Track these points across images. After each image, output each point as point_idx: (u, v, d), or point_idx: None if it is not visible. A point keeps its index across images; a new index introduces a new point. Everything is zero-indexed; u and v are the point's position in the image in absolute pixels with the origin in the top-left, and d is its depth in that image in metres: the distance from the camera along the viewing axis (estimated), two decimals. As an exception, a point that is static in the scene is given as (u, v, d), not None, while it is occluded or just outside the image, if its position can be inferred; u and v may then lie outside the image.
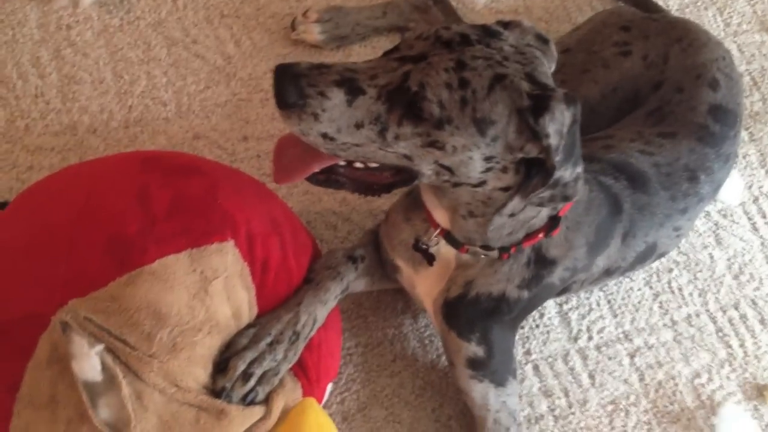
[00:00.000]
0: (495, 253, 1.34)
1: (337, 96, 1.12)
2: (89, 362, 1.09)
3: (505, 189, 1.21)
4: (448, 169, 1.17)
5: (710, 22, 2.08)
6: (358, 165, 1.23)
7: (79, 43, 1.85)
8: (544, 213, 1.29)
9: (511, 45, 1.16)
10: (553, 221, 1.31)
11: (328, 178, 1.25)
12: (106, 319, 1.12)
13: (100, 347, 1.10)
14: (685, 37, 1.66)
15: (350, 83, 1.12)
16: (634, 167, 1.48)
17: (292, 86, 1.10)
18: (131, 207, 1.21)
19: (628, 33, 1.69)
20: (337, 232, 1.75)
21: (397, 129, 1.13)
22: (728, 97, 1.59)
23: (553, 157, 1.12)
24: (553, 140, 1.11)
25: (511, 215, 1.25)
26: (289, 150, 1.23)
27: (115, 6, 1.91)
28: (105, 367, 1.10)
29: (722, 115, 1.57)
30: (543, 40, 1.22)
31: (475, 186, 1.20)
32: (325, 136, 1.14)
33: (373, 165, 1.22)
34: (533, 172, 1.17)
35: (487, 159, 1.16)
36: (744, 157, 1.90)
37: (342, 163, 1.23)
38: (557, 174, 1.14)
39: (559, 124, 1.11)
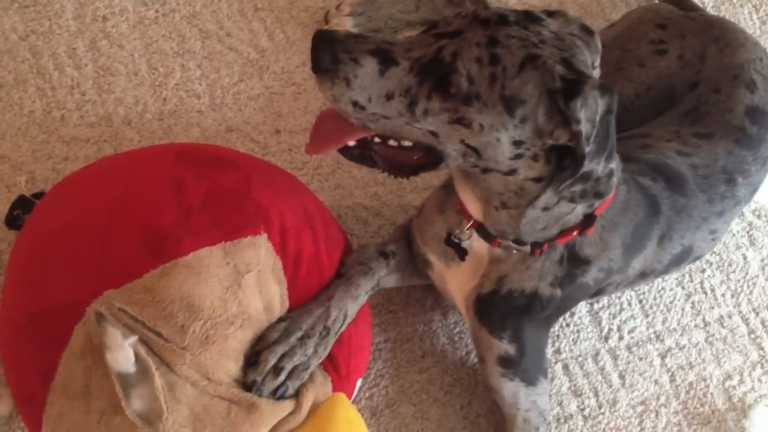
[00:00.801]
0: (527, 248, 1.33)
1: (370, 64, 1.12)
2: (123, 353, 1.09)
3: (538, 180, 1.20)
4: (475, 150, 1.16)
5: (746, 20, 2.06)
6: (392, 143, 1.23)
7: (115, 34, 1.87)
8: (579, 210, 1.28)
9: (551, 31, 1.15)
10: (588, 219, 1.30)
11: (362, 154, 1.26)
12: (140, 311, 1.12)
13: (133, 339, 1.11)
14: (722, 36, 1.64)
15: (384, 54, 1.13)
16: (672, 168, 1.47)
17: (327, 51, 1.11)
18: (167, 199, 1.21)
19: (664, 31, 1.67)
20: (367, 226, 1.75)
21: (426, 103, 1.13)
22: (765, 98, 1.57)
23: (584, 145, 1.10)
24: (584, 127, 1.09)
25: (545, 209, 1.24)
26: (326, 122, 1.25)
27: (151, -2, 1.92)
28: (138, 359, 1.10)
29: (759, 117, 1.55)
30: (588, 31, 1.20)
31: (505, 174, 1.19)
32: (355, 104, 1.14)
33: (406, 144, 1.22)
34: (565, 164, 1.15)
35: (516, 143, 1.14)
36: (780, 158, 1.88)
37: (377, 140, 1.23)
38: (588, 166, 1.12)
39: (591, 111, 1.09)
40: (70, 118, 1.76)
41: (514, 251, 1.34)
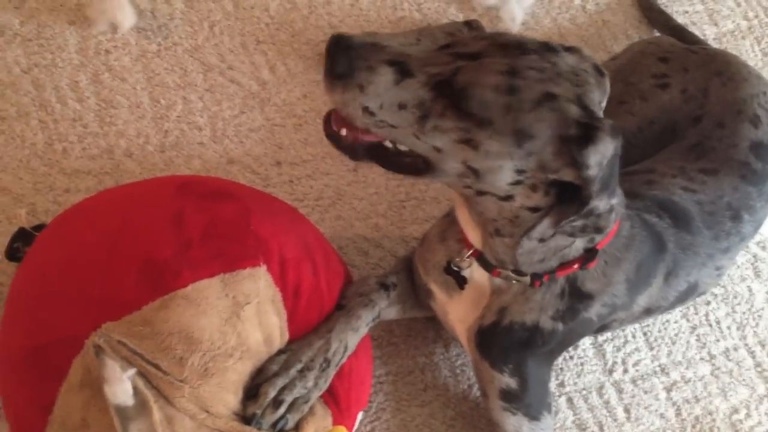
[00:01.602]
0: (527, 279, 1.32)
1: (386, 73, 1.11)
2: (121, 386, 1.08)
3: (534, 210, 1.19)
4: (475, 172, 1.14)
5: (747, 52, 2.07)
6: (388, 144, 1.22)
7: (117, 67, 1.87)
8: (579, 244, 1.27)
9: (568, 64, 1.14)
10: (590, 254, 1.29)
11: (351, 145, 1.23)
12: (139, 343, 1.11)
13: (132, 371, 1.10)
14: (725, 70, 1.64)
15: (401, 65, 1.12)
16: (678, 205, 1.46)
17: (344, 57, 1.10)
18: (166, 231, 1.21)
19: (666, 65, 1.67)
20: (368, 258, 1.74)
21: (437, 119, 1.12)
22: None
23: (592, 188, 1.10)
24: (592, 171, 1.09)
25: (541, 240, 1.23)
26: None
27: (153, 32, 1.93)
28: (137, 392, 1.09)
29: (764, 153, 1.55)
30: (600, 72, 1.18)
31: (501, 199, 1.18)
32: (366, 109, 1.13)
33: (403, 149, 1.20)
34: (565, 197, 1.15)
35: (518, 172, 1.14)
36: (784, 190, 1.87)
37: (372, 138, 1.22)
38: (592, 204, 1.12)
39: (601, 155, 1.09)
40: (71, 151, 1.76)
41: (514, 282, 1.33)
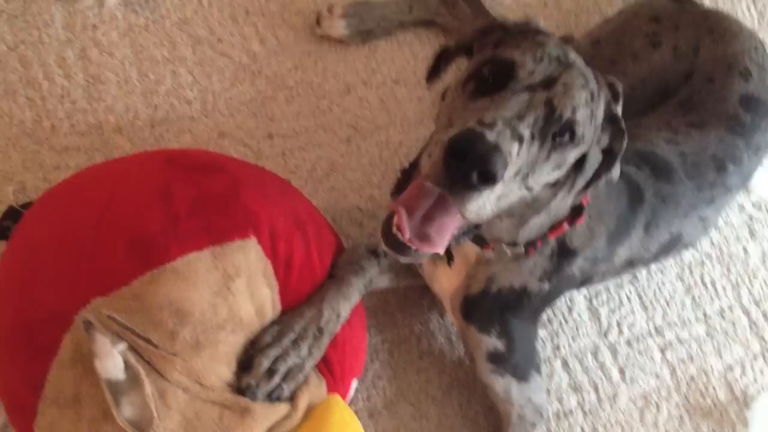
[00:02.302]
0: (521, 249, 1.32)
1: (514, 152, 1.01)
2: (112, 361, 1.08)
3: (553, 185, 1.18)
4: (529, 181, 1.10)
5: (744, 13, 2.05)
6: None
7: (105, 42, 1.86)
8: (569, 202, 1.27)
9: (575, 55, 1.16)
10: (576, 211, 1.29)
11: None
12: (129, 318, 1.12)
13: (123, 346, 1.10)
14: (717, 27, 1.63)
15: (516, 131, 1.02)
16: (659, 157, 1.47)
17: (499, 158, 0.98)
18: (154, 205, 1.20)
19: (658, 24, 1.66)
20: (363, 228, 1.74)
21: (542, 165, 1.08)
22: (760, 87, 1.56)
23: (625, 138, 1.15)
24: (623, 123, 1.15)
25: (548, 212, 1.24)
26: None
27: (141, 5, 1.91)
28: (128, 366, 1.10)
29: (754, 106, 1.54)
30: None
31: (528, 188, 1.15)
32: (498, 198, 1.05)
33: None
34: (580, 165, 1.17)
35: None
36: (778, 147, 1.87)
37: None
38: (620, 155, 1.17)
39: (620, 108, 1.15)
40: (60, 128, 1.75)
41: (508, 253, 1.33)
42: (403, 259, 1.11)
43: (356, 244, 1.49)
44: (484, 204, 1.01)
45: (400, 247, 1.07)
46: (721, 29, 1.63)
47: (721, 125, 1.52)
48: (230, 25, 1.92)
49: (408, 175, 1.15)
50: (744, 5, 2.07)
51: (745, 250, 1.76)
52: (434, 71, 1.28)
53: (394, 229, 1.07)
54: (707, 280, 1.73)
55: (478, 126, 0.99)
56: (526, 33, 1.16)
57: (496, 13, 1.95)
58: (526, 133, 1.03)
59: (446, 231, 1.08)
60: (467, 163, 0.96)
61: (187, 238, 1.18)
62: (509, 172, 1.02)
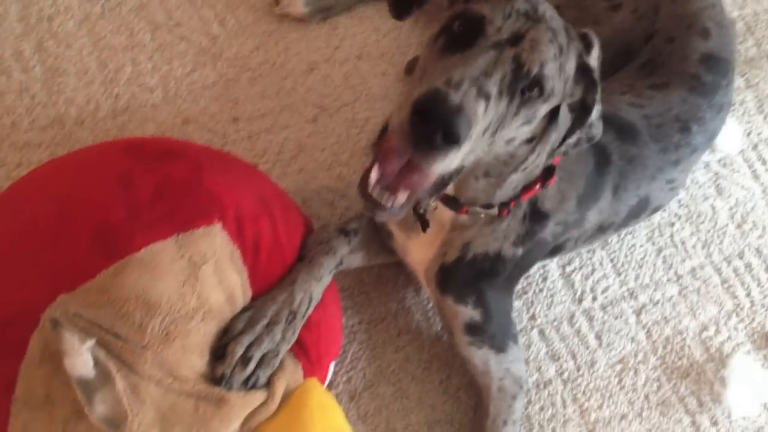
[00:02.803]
0: (495, 211, 1.32)
1: (481, 110, 1.03)
2: (81, 359, 1.06)
3: (529, 141, 1.19)
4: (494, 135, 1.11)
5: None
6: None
7: (61, 33, 1.83)
8: (540, 163, 1.27)
9: (545, 9, 1.14)
10: (548, 171, 1.29)
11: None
12: (96, 313, 1.10)
13: (91, 342, 1.08)
14: None
15: (483, 89, 1.03)
16: (623, 119, 1.46)
17: (462, 120, 0.99)
18: (115, 195, 1.19)
19: (618, -14, 1.65)
20: (334, 209, 1.73)
21: (511, 121, 1.09)
22: (720, 45, 1.56)
23: (597, 90, 1.13)
24: (596, 74, 1.13)
25: (524, 169, 1.24)
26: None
27: (96, -7, 1.88)
28: (98, 363, 1.07)
29: (714, 64, 1.54)
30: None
31: (506, 143, 1.16)
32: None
33: None
34: (553, 120, 1.17)
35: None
36: (741, 104, 1.87)
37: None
38: (596, 109, 1.16)
39: (595, 59, 1.14)
40: (20, 123, 1.73)
41: (482, 216, 1.33)
42: (379, 216, 1.13)
43: (325, 224, 1.48)
44: (450, 163, 1.03)
45: (376, 202, 1.10)
46: (679, -13, 1.63)
47: (683, 86, 1.52)
48: (188, 8, 1.90)
49: (385, 131, 1.15)
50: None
51: (712, 207, 1.77)
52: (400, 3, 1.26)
53: (370, 186, 1.09)
54: (677, 240, 1.73)
55: (444, 86, 1.00)
56: None
57: (456, -16, 1.93)
58: (493, 90, 1.03)
59: (416, 189, 1.10)
60: (432, 125, 0.98)
61: (151, 227, 1.16)
62: (476, 131, 1.03)
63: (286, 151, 1.77)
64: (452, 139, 0.99)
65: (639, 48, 1.60)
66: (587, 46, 1.15)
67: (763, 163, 1.82)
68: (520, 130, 1.13)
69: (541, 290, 1.66)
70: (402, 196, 1.10)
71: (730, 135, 1.78)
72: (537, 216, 1.35)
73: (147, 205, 1.18)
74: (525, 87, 1.07)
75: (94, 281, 1.12)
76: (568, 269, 1.68)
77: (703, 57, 1.54)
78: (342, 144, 1.79)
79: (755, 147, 1.83)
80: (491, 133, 1.08)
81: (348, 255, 1.44)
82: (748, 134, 1.84)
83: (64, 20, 1.85)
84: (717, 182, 1.79)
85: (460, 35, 1.09)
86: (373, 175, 1.10)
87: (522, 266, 1.42)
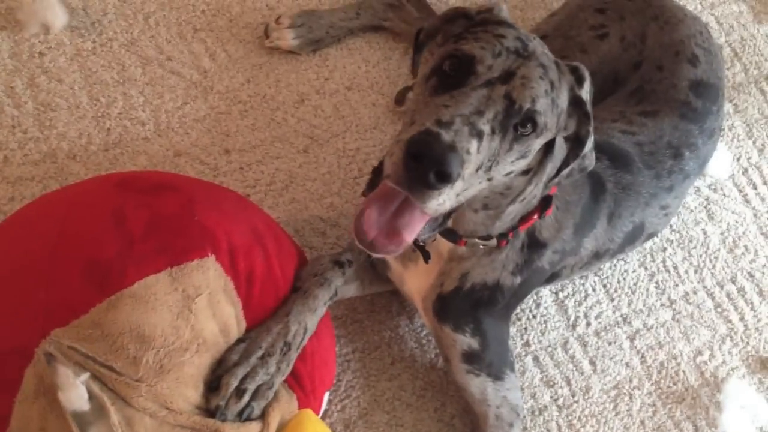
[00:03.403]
0: (494, 242, 1.33)
1: (474, 149, 1.04)
2: (76, 392, 1.07)
3: (525, 173, 1.20)
4: (490, 169, 1.12)
5: (688, -2, 2.07)
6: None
7: (53, 69, 1.84)
8: (538, 192, 1.28)
9: (535, 45, 1.15)
10: (545, 201, 1.30)
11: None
12: (90, 347, 1.10)
13: (85, 376, 1.08)
14: (660, 14, 1.65)
15: (473, 127, 1.04)
16: (616, 147, 1.48)
17: (454, 159, 1.00)
18: (107, 230, 1.19)
19: (603, 15, 1.67)
20: (326, 238, 1.73)
21: (505, 156, 1.10)
22: (709, 71, 1.58)
23: (590, 123, 1.15)
24: (588, 107, 1.14)
25: (522, 200, 1.24)
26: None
27: (87, 29, 1.89)
28: (92, 396, 1.08)
29: (704, 90, 1.56)
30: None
31: (504, 175, 1.17)
32: (457, 195, 1.07)
33: None
34: (549, 152, 1.18)
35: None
36: (730, 130, 1.89)
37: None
38: (589, 140, 1.16)
39: (587, 92, 1.15)
40: (13, 158, 1.73)
41: (481, 247, 1.33)
42: (376, 255, 1.14)
43: (319, 255, 1.48)
44: (444, 201, 1.04)
45: (371, 244, 1.12)
46: (665, 16, 1.65)
47: (674, 113, 1.54)
48: (179, 42, 1.91)
49: (379, 172, 1.16)
50: (689, -9, 2.09)
51: (704, 232, 1.78)
52: (415, 63, 1.31)
53: (366, 226, 1.11)
54: (669, 265, 1.74)
55: (435, 126, 1.01)
56: (487, 24, 1.17)
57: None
58: (485, 128, 1.05)
59: (415, 226, 1.11)
60: (424, 165, 0.99)
61: (144, 261, 1.16)
62: (469, 169, 1.04)
63: (277, 181, 1.78)
64: (445, 178, 1.00)
65: (627, 75, 1.62)
66: (578, 80, 1.16)
67: (754, 187, 1.83)
68: (515, 164, 1.14)
69: (534, 316, 1.67)
70: (399, 236, 1.12)
71: (720, 160, 1.80)
72: (535, 245, 1.36)
73: (140, 239, 1.18)
74: (518, 123, 1.08)
75: (87, 316, 1.12)
76: (561, 295, 1.69)
77: (692, 84, 1.56)
78: (333, 174, 1.80)
79: (745, 172, 1.85)
80: (485, 169, 1.09)
81: (342, 286, 1.44)
82: (738, 159, 1.86)
83: (56, 56, 1.86)
84: (708, 207, 1.80)
85: (451, 75, 1.11)
86: (372, 216, 1.12)
87: (520, 294, 1.43)
